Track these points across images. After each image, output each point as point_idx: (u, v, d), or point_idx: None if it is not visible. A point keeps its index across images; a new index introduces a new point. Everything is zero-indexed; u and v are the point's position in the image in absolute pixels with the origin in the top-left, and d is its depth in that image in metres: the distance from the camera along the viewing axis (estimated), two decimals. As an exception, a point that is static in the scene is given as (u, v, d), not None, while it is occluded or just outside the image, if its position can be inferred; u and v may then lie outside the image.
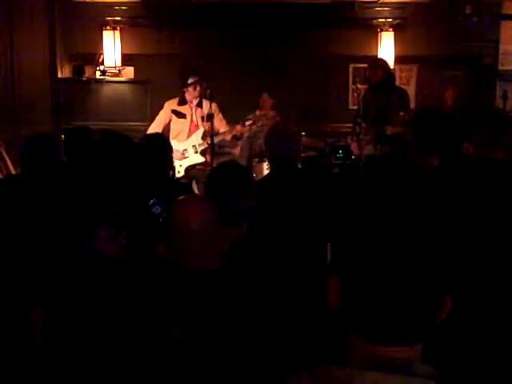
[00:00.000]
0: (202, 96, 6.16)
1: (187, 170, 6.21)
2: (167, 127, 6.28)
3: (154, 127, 6.19)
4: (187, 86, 6.10)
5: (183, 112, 6.22)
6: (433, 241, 1.03)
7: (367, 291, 1.01)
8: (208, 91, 5.78)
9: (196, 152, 6.21)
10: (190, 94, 6.16)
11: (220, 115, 6.24)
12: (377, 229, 1.05)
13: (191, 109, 6.23)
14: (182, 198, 2.07)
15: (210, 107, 5.81)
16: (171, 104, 6.26)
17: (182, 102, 6.20)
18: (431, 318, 1.03)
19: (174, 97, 6.36)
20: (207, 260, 1.91)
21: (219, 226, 1.99)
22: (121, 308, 1.97)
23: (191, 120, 6.23)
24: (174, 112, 6.21)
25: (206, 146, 6.05)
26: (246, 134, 6.31)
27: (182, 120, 6.21)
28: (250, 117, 6.35)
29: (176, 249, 1.91)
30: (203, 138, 6.15)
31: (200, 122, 6.19)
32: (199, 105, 6.18)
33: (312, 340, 2.37)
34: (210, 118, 5.72)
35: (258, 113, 6.73)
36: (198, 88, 6.13)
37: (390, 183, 3.32)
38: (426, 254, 1.02)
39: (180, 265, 1.88)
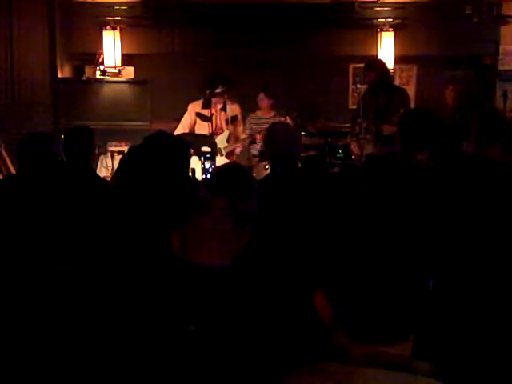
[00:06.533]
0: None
1: None
2: (193, 129, 6.26)
3: (181, 129, 6.17)
4: (215, 95, 6.03)
5: (208, 115, 6.13)
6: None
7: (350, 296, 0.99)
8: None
9: (222, 155, 6.16)
10: (216, 100, 6.10)
11: (241, 119, 6.37)
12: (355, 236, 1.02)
13: (216, 112, 6.19)
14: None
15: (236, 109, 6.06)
16: (195, 106, 6.20)
17: (207, 105, 6.11)
18: (412, 316, 1.01)
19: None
20: (218, 255, 1.93)
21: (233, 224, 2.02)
22: (134, 300, 1.97)
23: (216, 123, 6.18)
24: (199, 115, 6.17)
25: (231, 148, 6.17)
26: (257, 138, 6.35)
27: (207, 123, 6.18)
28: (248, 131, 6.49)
29: (190, 238, 1.93)
30: (228, 141, 6.19)
31: (224, 126, 6.21)
32: (223, 108, 6.18)
33: (307, 337, 2.37)
34: (234, 120, 5.98)
35: (258, 113, 6.73)
36: (225, 96, 6.11)
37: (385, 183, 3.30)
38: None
39: (191, 258, 1.90)
